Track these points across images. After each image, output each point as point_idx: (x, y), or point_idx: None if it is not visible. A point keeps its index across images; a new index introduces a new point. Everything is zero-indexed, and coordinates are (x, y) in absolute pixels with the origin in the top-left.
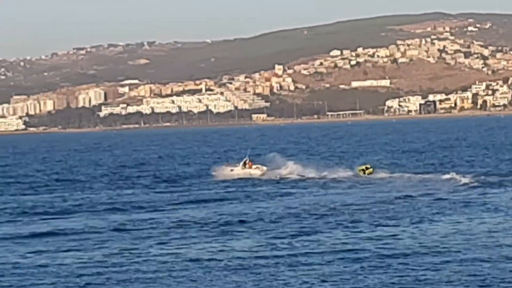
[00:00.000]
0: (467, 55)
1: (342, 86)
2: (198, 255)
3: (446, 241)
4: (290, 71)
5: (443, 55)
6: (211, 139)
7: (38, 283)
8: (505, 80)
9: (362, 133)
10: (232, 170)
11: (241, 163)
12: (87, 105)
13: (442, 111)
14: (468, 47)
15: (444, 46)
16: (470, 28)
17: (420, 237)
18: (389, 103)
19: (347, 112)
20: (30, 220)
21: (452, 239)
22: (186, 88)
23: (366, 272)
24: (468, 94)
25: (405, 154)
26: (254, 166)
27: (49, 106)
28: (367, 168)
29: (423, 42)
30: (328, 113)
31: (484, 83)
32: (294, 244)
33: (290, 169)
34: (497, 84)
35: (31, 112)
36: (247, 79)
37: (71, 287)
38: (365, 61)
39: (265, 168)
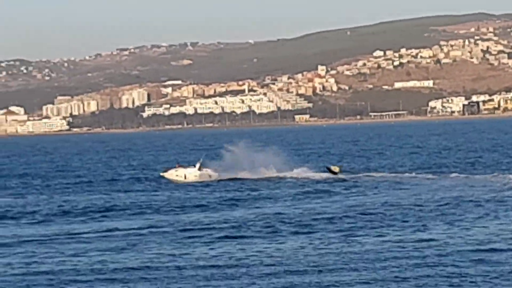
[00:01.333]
0: (510, 55)
1: (385, 87)
2: (241, 256)
3: (493, 245)
4: (333, 72)
5: (487, 55)
6: (265, 139)
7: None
8: None
9: (418, 134)
10: (188, 172)
11: (198, 165)
12: (130, 105)
13: (486, 112)
14: None
15: (488, 47)
16: None
17: (464, 240)
18: (432, 104)
19: (390, 113)
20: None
21: (501, 243)
22: (229, 89)
23: (409, 277)
24: None
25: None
26: (204, 169)
27: (93, 106)
28: (334, 171)
29: (467, 42)
30: (371, 113)
31: None
32: (337, 246)
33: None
34: None
35: (75, 113)
36: (290, 80)
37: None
38: (408, 61)
39: (216, 172)
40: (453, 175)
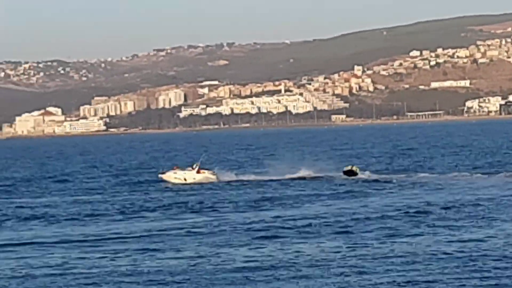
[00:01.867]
0: None
1: (421, 87)
2: (279, 257)
3: None
4: (369, 72)
5: None
6: (304, 140)
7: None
8: None
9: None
10: (185, 174)
11: (196, 167)
12: (167, 106)
13: None
14: None
15: None
16: None
17: (508, 240)
18: (469, 103)
19: (426, 112)
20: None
21: None
22: (265, 89)
23: (453, 278)
24: None
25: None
26: (202, 171)
27: (130, 107)
28: (352, 171)
29: (503, 42)
30: (407, 113)
31: None
32: (379, 247)
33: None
34: None
35: (112, 113)
36: (326, 80)
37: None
38: (445, 61)
39: (215, 174)
40: (500, 174)
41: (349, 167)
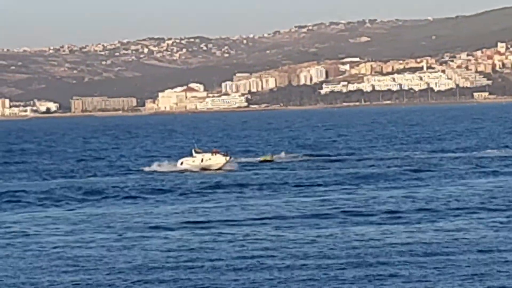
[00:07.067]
0: None
1: None
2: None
3: None
4: None
5: None
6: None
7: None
8: None
9: None
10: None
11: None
12: (308, 82)
13: None
14: None
15: None
16: None
17: None
18: None
19: None
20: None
21: None
22: (407, 66)
23: None
24: None
25: None
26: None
27: (271, 83)
28: (266, 160)
29: None
30: None
31: None
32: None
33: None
34: None
35: (253, 90)
36: (469, 57)
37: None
38: None
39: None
40: None
41: (268, 158)
